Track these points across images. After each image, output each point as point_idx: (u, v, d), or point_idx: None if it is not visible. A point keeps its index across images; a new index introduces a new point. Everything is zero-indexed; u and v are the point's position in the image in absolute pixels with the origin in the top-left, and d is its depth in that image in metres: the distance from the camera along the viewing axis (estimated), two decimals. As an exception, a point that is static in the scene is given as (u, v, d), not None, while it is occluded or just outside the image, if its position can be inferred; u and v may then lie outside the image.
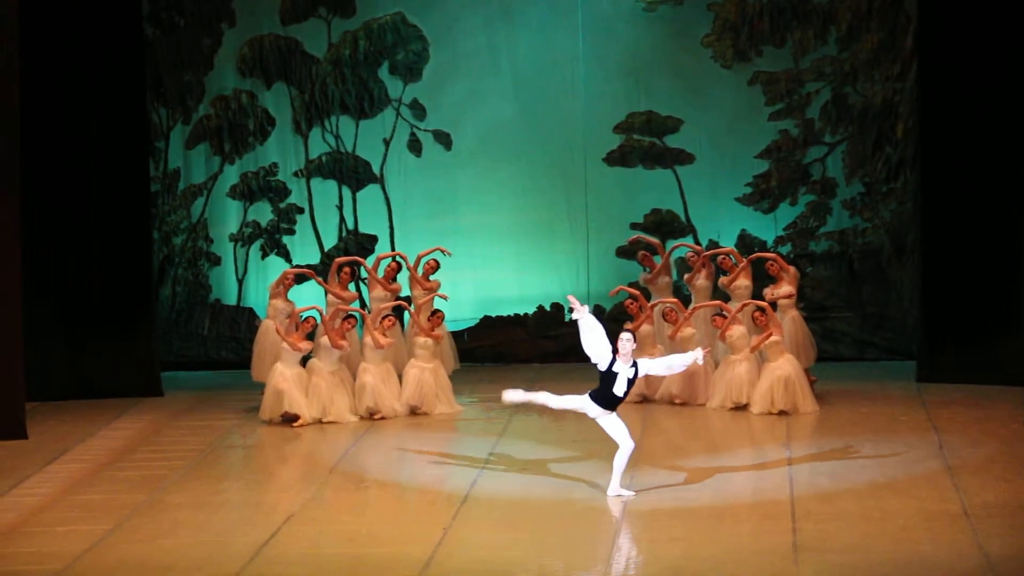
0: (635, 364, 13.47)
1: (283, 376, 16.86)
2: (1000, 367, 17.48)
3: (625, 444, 13.59)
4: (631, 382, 13.47)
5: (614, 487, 13.59)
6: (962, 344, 17.97)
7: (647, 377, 17.42)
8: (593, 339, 13.49)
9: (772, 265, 17.78)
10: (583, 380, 18.74)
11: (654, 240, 19.06)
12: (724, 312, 17.27)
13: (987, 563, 11.59)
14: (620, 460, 13.60)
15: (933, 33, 18.09)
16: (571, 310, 13.63)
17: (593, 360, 13.53)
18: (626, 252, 19.88)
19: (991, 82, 17.60)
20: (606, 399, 13.56)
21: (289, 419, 16.86)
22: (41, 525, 13.21)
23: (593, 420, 13.77)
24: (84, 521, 13.23)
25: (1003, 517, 12.72)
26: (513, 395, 14.10)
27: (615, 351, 13.42)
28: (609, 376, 13.46)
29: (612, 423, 13.66)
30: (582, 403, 13.69)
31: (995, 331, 17.69)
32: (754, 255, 18.34)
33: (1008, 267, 17.19)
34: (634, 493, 13.56)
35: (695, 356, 13.85)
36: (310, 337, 17.19)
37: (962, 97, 17.77)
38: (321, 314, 17.23)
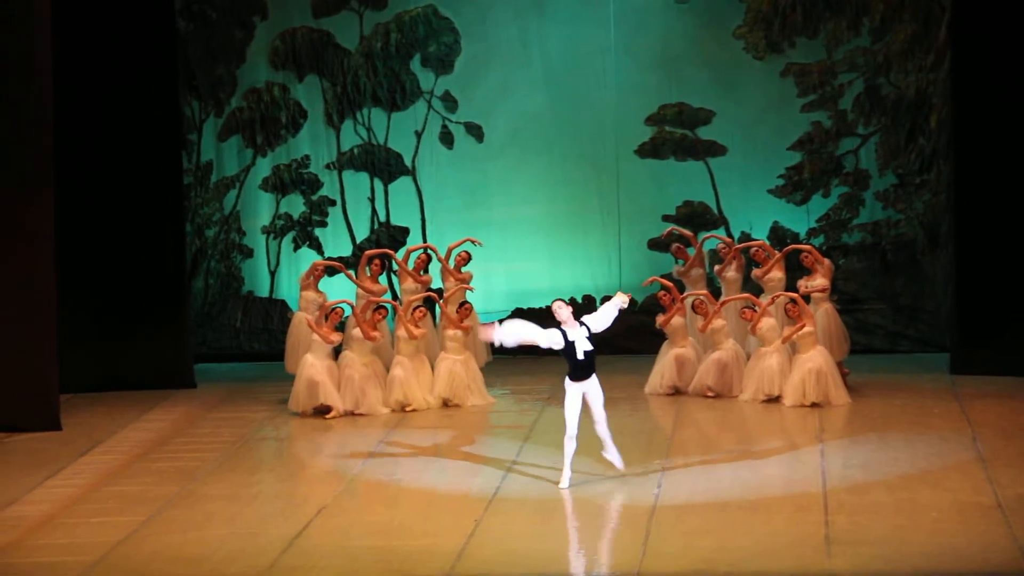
0: (582, 323, 13.60)
1: (316, 368, 16.89)
2: (1034, 359, 17.42)
3: (598, 414, 13.77)
4: (590, 339, 13.55)
5: (610, 451, 14.03)
6: (996, 336, 17.89)
7: (681, 370, 17.53)
8: (531, 335, 13.52)
9: (807, 257, 17.73)
10: (615, 372, 18.78)
11: (688, 232, 19.02)
12: (754, 305, 17.24)
13: (1021, 555, 11.55)
14: (600, 431, 13.92)
15: (966, 24, 18.00)
16: (490, 342, 14.06)
17: (553, 347, 13.54)
18: (658, 244, 19.86)
19: (1024, 73, 17.53)
20: (578, 371, 13.58)
21: (322, 411, 16.90)
22: (75, 516, 13.28)
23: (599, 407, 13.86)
24: (117, 512, 13.28)
25: (1037, 510, 12.68)
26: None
27: (559, 326, 13.51)
28: (570, 348, 13.51)
29: (592, 394, 13.69)
30: (574, 399, 13.67)
31: (1029, 323, 17.63)
32: (789, 247, 18.29)
33: (1042, 259, 17.13)
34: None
35: (621, 300, 13.84)
36: (339, 328, 17.23)
37: (995, 88, 17.69)
38: (352, 307, 17.25)
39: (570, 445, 13.73)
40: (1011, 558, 11.52)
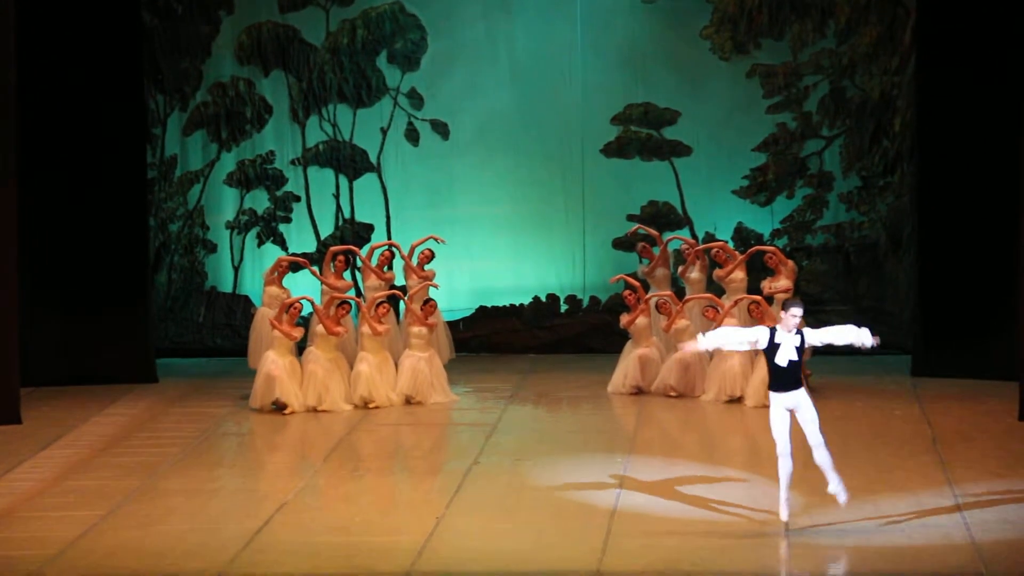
0: (799, 332, 12.28)
1: (275, 363, 16.86)
2: (995, 362, 17.48)
3: (814, 440, 12.34)
4: (799, 350, 12.23)
5: (833, 484, 12.46)
6: (957, 339, 17.98)
7: (644, 370, 17.55)
8: (737, 340, 12.47)
9: (771, 258, 17.79)
10: (578, 371, 18.83)
11: (653, 231, 19.06)
12: (717, 305, 17.28)
13: (979, 557, 11.62)
14: (820, 459, 12.41)
15: (931, 27, 18.09)
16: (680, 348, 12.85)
17: (757, 347, 12.41)
18: (623, 243, 19.89)
19: (989, 76, 17.59)
20: (779, 379, 12.28)
21: (279, 407, 16.86)
22: (35, 510, 13.22)
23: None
24: (78, 507, 13.23)
25: (995, 511, 12.73)
26: (783, 501, 12.51)
27: (772, 327, 12.36)
28: (772, 350, 12.25)
29: (803, 413, 12.35)
30: (779, 412, 12.33)
31: (990, 326, 17.70)
32: (754, 248, 18.35)
33: (1004, 262, 17.18)
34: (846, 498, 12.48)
35: (868, 339, 12.38)
36: (301, 324, 17.20)
37: (960, 91, 17.77)
38: (312, 303, 17.22)
39: (784, 465, 12.34)
40: (969, 559, 11.58)
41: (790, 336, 12.23)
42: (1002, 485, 13.54)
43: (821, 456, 12.37)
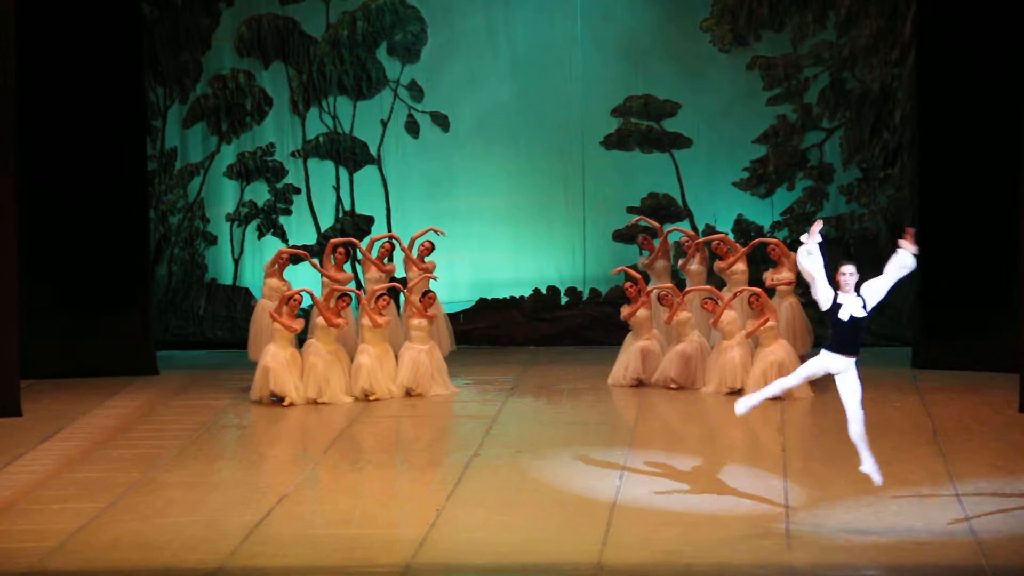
0: (860, 295, 12.18)
1: (273, 356, 16.86)
2: (995, 354, 17.48)
3: (853, 414, 12.33)
4: (865, 309, 12.12)
5: (866, 463, 12.46)
6: (957, 331, 17.97)
7: (645, 362, 17.54)
8: (818, 273, 12.11)
9: (774, 250, 17.80)
10: (578, 363, 18.83)
11: (655, 223, 19.06)
12: (716, 297, 17.28)
13: (978, 548, 11.62)
14: (855, 433, 12.38)
15: (932, 19, 18.08)
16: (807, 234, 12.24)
17: (820, 302, 12.22)
18: (623, 236, 19.89)
19: (989, 68, 17.59)
20: (838, 337, 12.19)
21: (276, 399, 16.85)
22: (35, 503, 13.22)
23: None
24: (78, 499, 13.24)
25: (994, 503, 12.74)
26: (747, 402, 12.75)
27: (835, 286, 12.18)
28: (834, 309, 12.15)
29: (846, 384, 12.32)
30: (821, 362, 12.34)
31: (990, 318, 17.68)
32: (756, 240, 18.36)
33: (1004, 254, 17.18)
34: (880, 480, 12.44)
35: (907, 254, 12.19)
36: (301, 316, 17.21)
37: (960, 83, 17.77)
38: (311, 295, 17.22)
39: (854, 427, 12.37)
40: (970, 552, 11.59)
41: (851, 297, 12.11)
42: (1002, 477, 13.55)
43: (857, 430, 12.34)
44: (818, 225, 12.24)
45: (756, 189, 19.94)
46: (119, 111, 18.33)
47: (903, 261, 12.23)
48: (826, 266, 12.20)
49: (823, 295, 12.17)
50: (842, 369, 12.31)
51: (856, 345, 12.25)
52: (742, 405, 12.70)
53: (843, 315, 12.11)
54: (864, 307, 12.14)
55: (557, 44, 20.00)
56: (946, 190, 17.98)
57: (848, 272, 12.14)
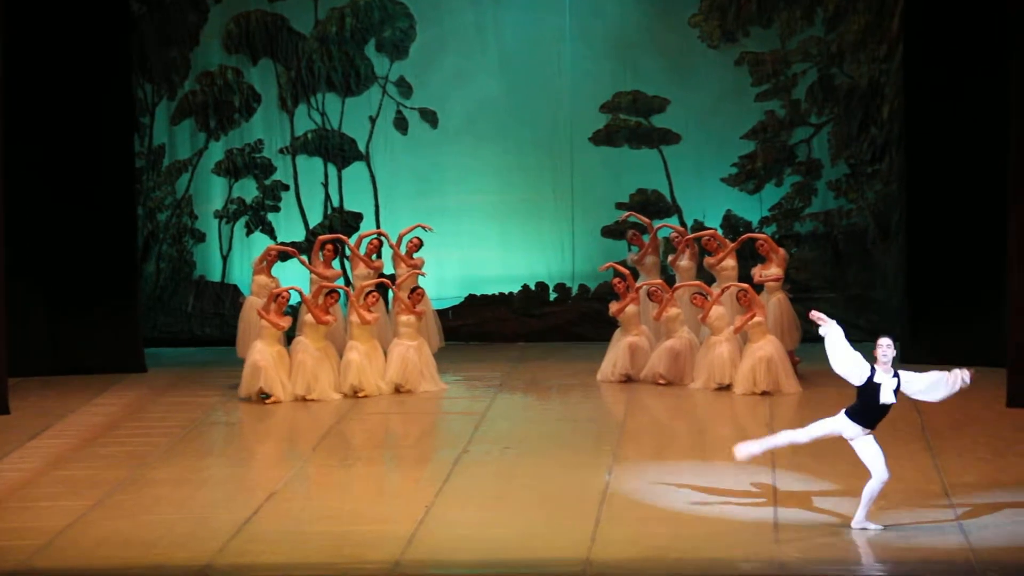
0: (896, 374, 11.89)
1: (261, 353, 16.84)
2: (983, 349, 17.47)
3: (879, 474, 11.94)
4: (896, 393, 11.84)
5: (859, 518, 11.97)
6: (945, 326, 17.99)
7: (633, 358, 17.56)
8: (842, 355, 11.84)
9: (762, 245, 17.82)
10: (567, 359, 18.84)
11: (644, 219, 19.06)
12: (705, 293, 17.28)
13: (967, 542, 11.63)
14: (870, 489, 11.95)
15: (919, 15, 18.10)
16: (816, 326, 12.04)
17: (846, 378, 11.93)
18: (611, 232, 19.90)
19: (976, 64, 17.60)
20: (867, 413, 11.90)
21: (264, 396, 16.83)
22: (23, 500, 13.19)
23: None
24: (66, 497, 13.21)
25: (983, 498, 12.76)
26: (748, 449, 12.41)
27: (872, 362, 11.82)
28: (870, 388, 11.81)
29: (868, 447, 12.00)
30: (836, 425, 12.03)
31: (978, 313, 17.71)
32: (744, 236, 18.37)
33: (991, 249, 17.19)
34: (881, 527, 11.94)
35: (961, 376, 12.01)
36: (289, 313, 17.19)
37: (947, 79, 17.78)
38: (300, 293, 17.20)
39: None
40: (957, 546, 11.60)
41: (888, 376, 11.81)
42: (991, 472, 13.58)
43: (875, 488, 11.97)
44: (816, 314, 12.04)
45: (744, 185, 19.95)
46: (107, 108, 18.29)
47: (957, 385, 11.97)
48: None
49: (857, 371, 11.81)
50: (857, 436, 12.05)
51: (879, 421, 11.99)
52: (743, 451, 12.43)
53: (884, 399, 11.81)
54: (895, 391, 11.85)
55: (546, 40, 20.01)
56: (934, 185, 18.00)
57: (886, 344, 11.81)
